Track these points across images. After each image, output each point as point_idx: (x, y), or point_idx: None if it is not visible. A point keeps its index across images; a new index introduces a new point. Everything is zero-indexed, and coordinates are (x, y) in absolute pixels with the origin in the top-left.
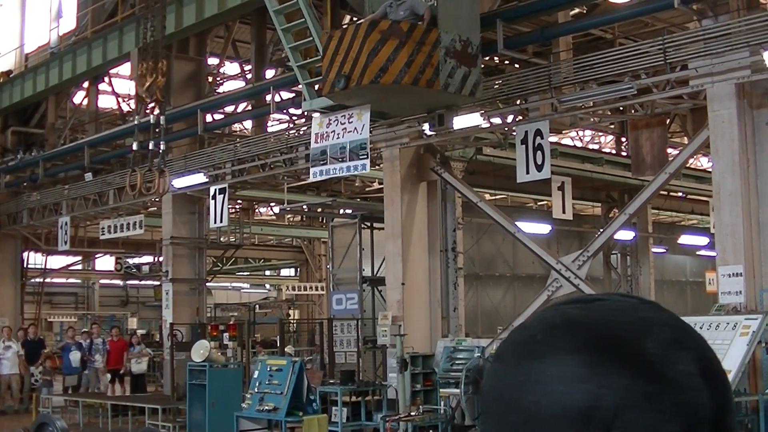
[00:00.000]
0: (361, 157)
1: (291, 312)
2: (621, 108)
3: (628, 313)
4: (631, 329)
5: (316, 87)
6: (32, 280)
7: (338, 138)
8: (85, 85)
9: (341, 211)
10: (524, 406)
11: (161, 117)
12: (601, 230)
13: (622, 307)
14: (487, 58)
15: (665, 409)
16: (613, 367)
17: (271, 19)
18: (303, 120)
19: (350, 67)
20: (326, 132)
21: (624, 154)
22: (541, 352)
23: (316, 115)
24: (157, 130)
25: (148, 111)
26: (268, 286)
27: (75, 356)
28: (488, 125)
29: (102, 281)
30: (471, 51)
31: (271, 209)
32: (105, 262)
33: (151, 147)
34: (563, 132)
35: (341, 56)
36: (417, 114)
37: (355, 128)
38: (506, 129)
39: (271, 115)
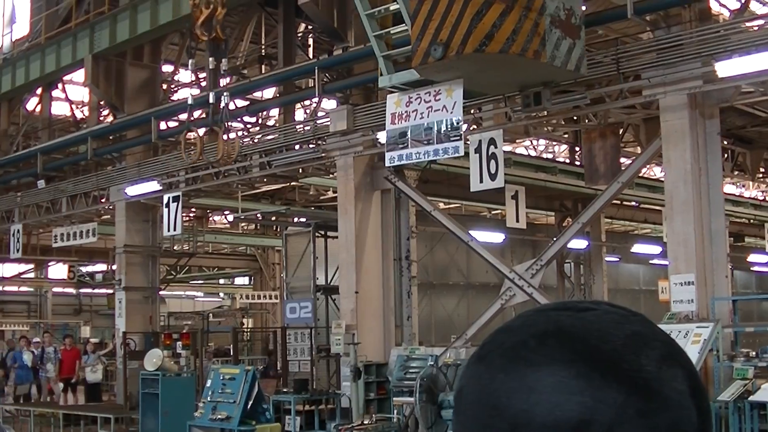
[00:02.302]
0: (452, 138)
1: (245, 321)
2: (575, 117)
3: (621, 326)
4: (626, 343)
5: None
6: None
7: (421, 118)
8: (39, 91)
9: (295, 220)
10: (513, 413)
11: (223, 61)
12: (555, 239)
13: (615, 318)
14: None
15: (658, 427)
16: (609, 382)
17: (225, 27)
18: (257, 128)
19: (448, 34)
20: (406, 111)
21: (578, 163)
22: (534, 360)
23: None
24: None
25: (102, 119)
26: (222, 294)
27: (27, 356)
28: None
29: (55, 289)
30: (575, 21)
31: (225, 217)
32: (58, 270)
33: (211, 100)
34: (517, 141)
35: (436, 22)
36: (507, 92)
37: (444, 106)
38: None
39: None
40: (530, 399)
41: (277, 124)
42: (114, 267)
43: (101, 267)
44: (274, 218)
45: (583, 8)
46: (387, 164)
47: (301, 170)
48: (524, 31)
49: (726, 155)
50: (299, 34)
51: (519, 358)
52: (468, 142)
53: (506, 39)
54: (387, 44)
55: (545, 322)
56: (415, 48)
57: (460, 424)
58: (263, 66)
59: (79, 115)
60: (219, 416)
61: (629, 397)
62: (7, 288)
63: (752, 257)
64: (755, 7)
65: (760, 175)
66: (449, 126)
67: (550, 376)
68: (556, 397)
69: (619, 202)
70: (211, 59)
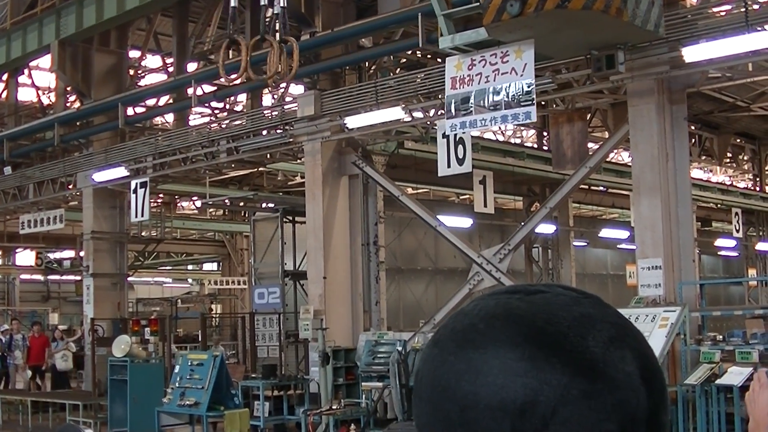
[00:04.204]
0: (524, 104)
1: (213, 306)
2: (542, 102)
3: (569, 308)
4: (572, 325)
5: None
6: None
7: (487, 82)
8: (4, 77)
9: (263, 205)
10: (461, 395)
11: None
12: (523, 224)
13: (564, 301)
14: (408, 53)
15: (603, 408)
16: (554, 364)
17: (192, 12)
18: (225, 114)
19: None
20: (469, 75)
21: (545, 148)
22: (482, 343)
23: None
24: None
25: (68, 105)
26: (190, 280)
27: None
28: (410, 119)
29: (22, 276)
30: None
31: (193, 203)
32: (25, 257)
33: (263, 2)
34: None
35: None
36: (576, 55)
37: (513, 69)
38: (428, 123)
39: (193, 109)
40: (477, 381)
41: (245, 110)
42: (82, 253)
43: (69, 253)
44: (242, 204)
45: None
46: (448, 132)
47: (268, 155)
48: None
49: (693, 140)
50: (266, 19)
51: (467, 341)
52: (436, 127)
53: None
54: (447, 2)
55: (495, 306)
56: (486, 4)
57: (416, 405)
58: (230, 51)
59: (45, 101)
60: (187, 402)
61: (574, 379)
62: None
63: (719, 242)
64: None
65: (727, 160)
66: (520, 90)
67: (495, 358)
68: (501, 379)
69: (586, 187)
70: None
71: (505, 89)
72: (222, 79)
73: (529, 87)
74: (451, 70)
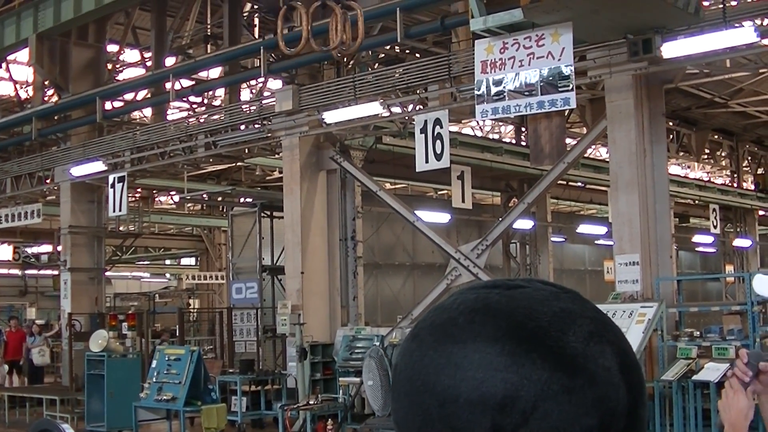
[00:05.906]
0: (562, 89)
1: (191, 301)
2: None
3: (549, 303)
4: (552, 320)
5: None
6: None
7: (521, 66)
8: None
9: (241, 200)
10: (440, 389)
11: None
12: (500, 219)
13: (544, 296)
14: (387, 48)
15: (583, 403)
16: (534, 359)
17: (171, 7)
18: (203, 108)
19: None
20: (501, 59)
21: (523, 143)
22: (462, 337)
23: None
24: None
25: (46, 99)
26: (168, 275)
27: None
28: (388, 114)
29: None
30: None
31: (171, 198)
32: (2, 252)
33: None
34: (463, 121)
35: None
36: (612, 39)
37: (550, 53)
38: (406, 118)
39: (171, 103)
40: (457, 375)
41: (223, 104)
42: (59, 248)
43: (46, 248)
44: (219, 198)
45: None
46: (479, 118)
47: (246, 150)
48: None
49: (671, 136)
50: (245, 14)
51: (447, 335)
52: (414, 122)
53: None
54: None
55: (474, 300)
56: None
57: (395, 400)
58: (209, 45)
59: (23, 95)
60: (164, 397)
61: (554, 374)
62: None
63: (697, 238)
64: None
65: (705, 157)
66: (557, 75)
67: (475, 353)
68: (481, 374)
69: (564, 182)
70: None
71: (541, 74)
72: (202, 73)
73: (568, 72)
74: (481, 54)
